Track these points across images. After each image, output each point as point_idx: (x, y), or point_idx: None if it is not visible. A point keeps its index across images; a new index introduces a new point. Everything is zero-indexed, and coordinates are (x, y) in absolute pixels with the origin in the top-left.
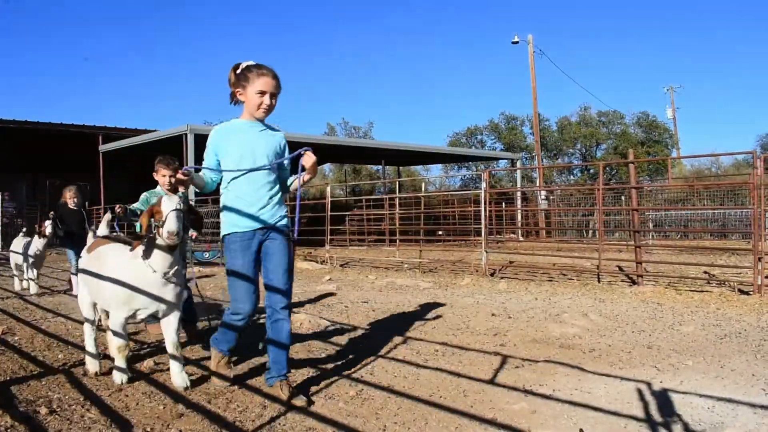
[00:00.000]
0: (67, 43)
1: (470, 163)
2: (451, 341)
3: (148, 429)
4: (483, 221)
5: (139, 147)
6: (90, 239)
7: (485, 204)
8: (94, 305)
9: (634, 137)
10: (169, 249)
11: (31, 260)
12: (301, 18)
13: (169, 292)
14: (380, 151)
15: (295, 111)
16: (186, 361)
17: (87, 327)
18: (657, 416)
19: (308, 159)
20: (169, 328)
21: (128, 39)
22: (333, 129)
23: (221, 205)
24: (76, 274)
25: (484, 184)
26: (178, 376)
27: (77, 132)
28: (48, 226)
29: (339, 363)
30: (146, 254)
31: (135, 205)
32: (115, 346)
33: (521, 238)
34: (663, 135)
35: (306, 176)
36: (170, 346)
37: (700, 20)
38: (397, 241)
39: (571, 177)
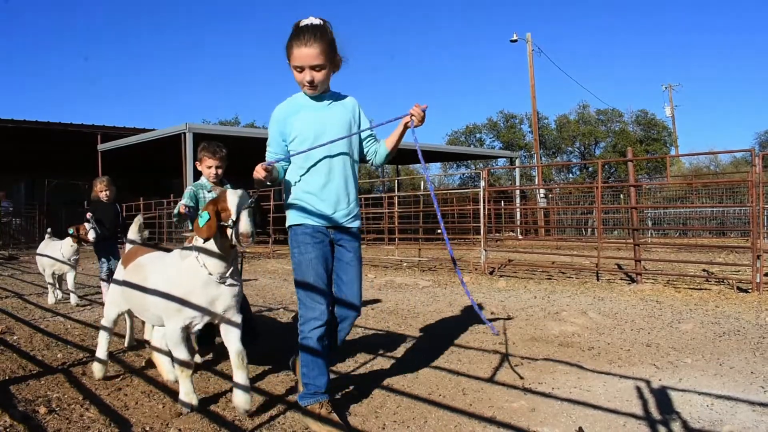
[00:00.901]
0: (65, 43)
1: (469, 161)
2: (450, 339)
3: (148, 428)
4: (482, 219)
5: (137, 146)
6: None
7: (484, 202)
8: (119, 317)
9: (633, 135)
10: (227, 248)
11: (69, 267)
12: (298, 16)
13: (227, 296)
14: None
15: None
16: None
17: (104, 334)
18: (656, 414)
19: (415, 109)
20: (232, 335)
21: (126, 38)
22: None
23: (288, 195)
24: (107, 280)
25: (482, 183)
26: (242, 397)
27: (75, 131)
28: (90, 231)
29: (338, 362)
30: (201, 254)
31: (183, 204)
32: (177, 366)
33: (520, 237)
34: (662, 133)
35: (414, 119)
36: (235, 357)
37: (699, 18)
38: (396, 239)
39: (570, 175)
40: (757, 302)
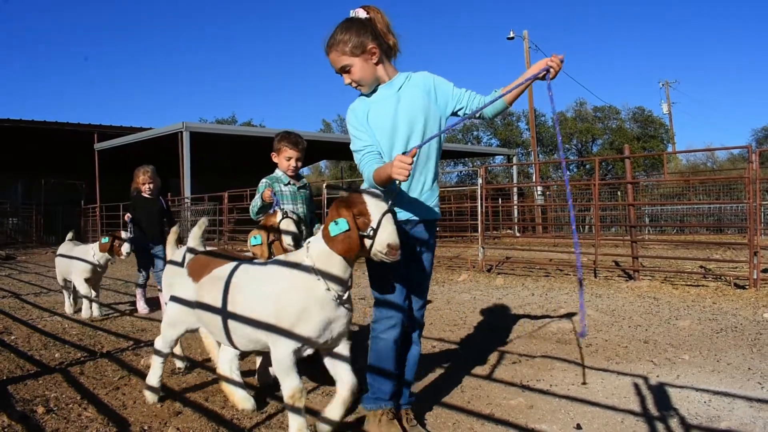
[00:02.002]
0: (62, 42)
1: (466, 159)
2: (449, 337)
3: (146, 427)
4: (479, 217)
5: (134, 145)
6: (171, 253)
7: (481, 200)
8: (177, 340)
9: (630, 132)
10: (350, 260)
11: (99, 272)
12: (296, 14)
13: (343, 319)
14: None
15: (291, 107)
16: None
17: (157, 360)
18: (654, 410)
19: (554, 59)
20: (343, 367)
21: (123, 37)
22: (329, 126)
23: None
24: (143, 286)
25: (480, 180)
26: None
27: (72, 131)
28: (124, 245)
29: None
30: (318, 266)
31: (258, 201)
32: (287, 393)
33: (518, 234)
34: (659, 130)
35: (551, 72)
36: (347, 392)
37: (695, 15)
38: None
39: (568, 173)
40: (754, 299)
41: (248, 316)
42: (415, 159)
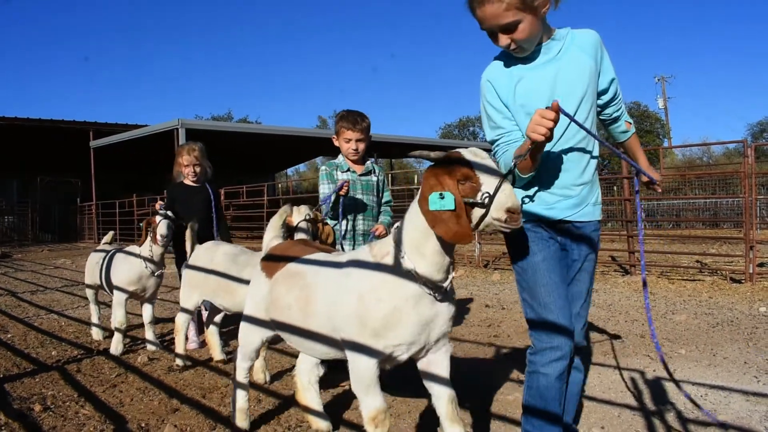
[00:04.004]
0: (58, 39)
1: None
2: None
3: (143, 424)
4: None
5: (130, 143)
6: (191, 251)
7: None
8: (258, 352)
9: None
10: (450, 247)
11: (153, 286)
12: (292, 11)
13: (444, 317)
14: (372, 143)
15: (287, 104)
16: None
17: (242, 374)
18: (650, 405)
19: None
20: (441, 373)
21: (118, 34)
22: (325, 122)
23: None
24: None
25: None
26: None
27: (68, 128)
28: (162, 222)
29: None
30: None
31: (325, 190)
32: (368, 414)
33: None
34: (654, 125)
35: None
36: (447, 404)
37: (691, 10)
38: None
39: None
40: (750, 293)
41: (326, 319)
42: (564, 131)
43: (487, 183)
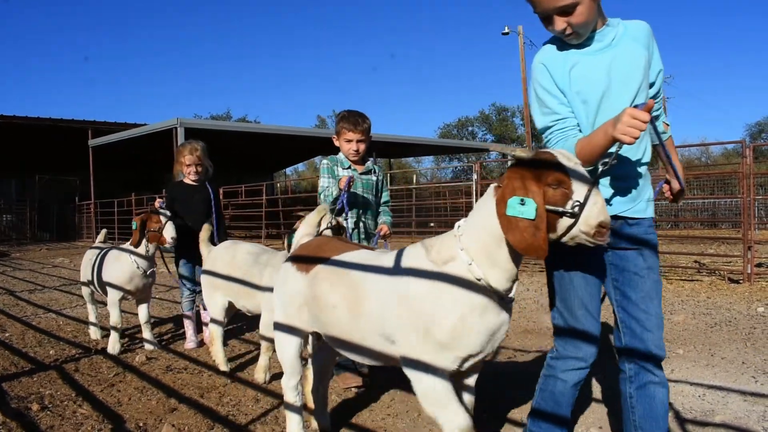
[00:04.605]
0: (56, 38)
1: (461, 154)
2: None
3: (141, 424)
4: None
5: (128, 142)
6: (206, 253)
7: (476, 195)
8: (300, 356)
9: None
10: (521, 255)
11: (145, 284)
12: (290, 11)
13: (506, 322)
14: (371, 143)
15: (285, 103)
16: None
17: (293, 394)
18: None
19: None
20: (472, 381)
21: (117, 33)
22: (323, 121)
23: None
24: (190, 311)
25: (475, 176)
26: None
27: (66, 127)
28: (169, 224)
29: None
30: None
31: (333, 189)
32: None
33: None
34: None
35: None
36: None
37: (690, 11)
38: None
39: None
40: (749, 293)
41: (378, 325)
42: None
43: (578, 191)
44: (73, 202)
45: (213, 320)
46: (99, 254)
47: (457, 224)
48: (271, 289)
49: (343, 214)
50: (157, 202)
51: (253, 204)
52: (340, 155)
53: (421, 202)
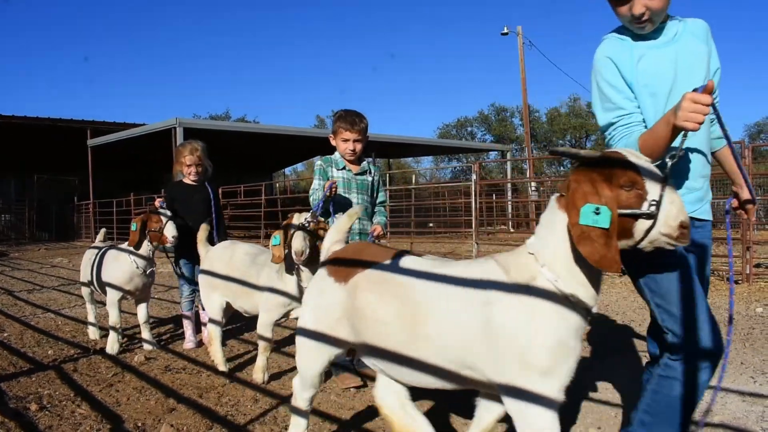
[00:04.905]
0: (55, 37)
1: (460, 154)
2: None
3: (140, 424)
4: (474, 213)
5: (127, 141)
6: (204, 253)
7: (475, 196)
8: (322, 375)
9: None
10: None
11: (144, 283)
12: (289, 11)
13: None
14: (370, 143)
15: (284, 103)
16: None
17: (304, 404)
18: None
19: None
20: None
21: (115, 33)
22: (323, 122)
23: None
24: (190, 312)
25: (474, 176)
26: None
27: (65, 126)
28: (170, 224)
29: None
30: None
31: (320, 193)
32: None
33: (512, 230)
34: None
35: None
36: (493, 421)
37: (688, 11)
38: (388, 233)
39: (561, 168)
40: (747, 293)
41: (450, 349)
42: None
43: (653, 190)
44: (72, 202)
45: (211, 320)
46: (98, 254)
47: (527, 242)
48: (268, 290)
49: (330, 218)
50: (157, 202)
51: (252, 204)
52: (336, 155)
53: (420, 203)
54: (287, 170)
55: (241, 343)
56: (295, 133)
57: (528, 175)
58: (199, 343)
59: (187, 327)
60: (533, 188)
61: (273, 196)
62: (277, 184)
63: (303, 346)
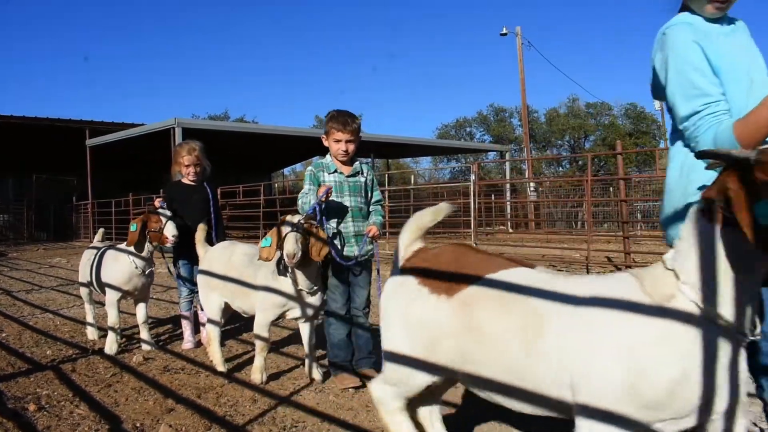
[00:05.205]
0: (53, 37)
1: (459, 155)
2: None
3: (138, 424)
4: (472, 213)
5: (126, 141)
6: (203, 253)
7: (474, 196)
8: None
9: (622, 128)
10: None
11: (143, 283)
12: (288, 11)
13: (745, 370)
14: (369, 143)
15: (283, 104)
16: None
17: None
18: None
19: None
20: None
21: (113, 33)
22: (321, 122)
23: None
24: (188, 312)
25: (473, 176)
26: None
27: (64, 126)
28: (169, 224)
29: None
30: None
31: (311, 197)
32: None
33: (510, 230)
34: (651, 126)
35: None
36: None
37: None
38: (387, 233)
39: (560, 168)
40: None
41: (565, 371)
42: None
43: None
44: (70, 202)
45: (210, 320)
46: (97, 254)
47: (664, 257)
48: (264, 289)
49: (322, 223)
50: (157, 202)
51: (251, 204)
52: (327, 159)
53: (419, 203)
54: (286, 170)
55: (240, 343)
56: (293, 134)
57: (527, 176)
58: (198, 344)
59: (186, 327)
60: (532, 189)
61: (272, 197)
62: (276, 185)
63: (395, 373)
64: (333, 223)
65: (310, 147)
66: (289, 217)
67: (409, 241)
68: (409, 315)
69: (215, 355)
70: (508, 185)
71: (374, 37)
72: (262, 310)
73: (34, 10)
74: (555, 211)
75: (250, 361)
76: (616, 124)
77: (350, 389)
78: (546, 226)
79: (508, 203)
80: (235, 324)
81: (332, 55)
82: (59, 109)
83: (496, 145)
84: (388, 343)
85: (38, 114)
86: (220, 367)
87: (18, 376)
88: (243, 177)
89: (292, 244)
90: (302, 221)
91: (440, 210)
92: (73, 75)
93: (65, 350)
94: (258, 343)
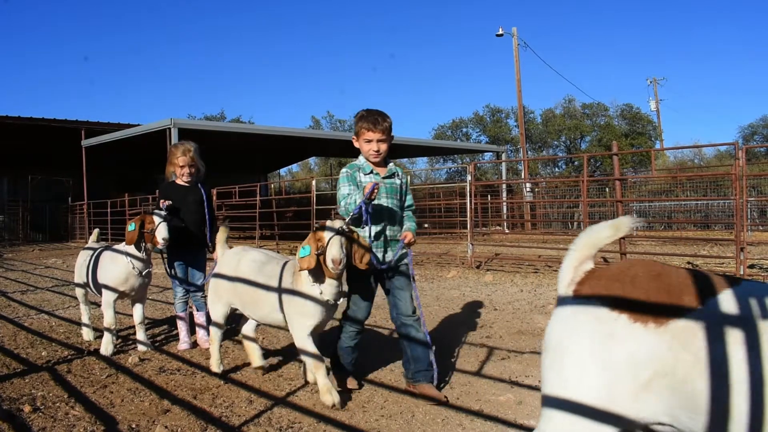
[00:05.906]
0: (49, 37)
1: (455, 155)
2: (437, 334)
3: (134, 425)
4: (469, 214)
5: (122, 142)
6: (222, 253)
7: (471, 197)
8: None
9: (618, 129)
10: None
11: (140, 284)
12: (287, 11)
13: None
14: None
15: (280, 104)
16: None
17: None
18: None
19: None
20: None
21: (110, 33)
22: (318, 122)
23: None
24: (183, 313)
25: (469, 177)
26: None
27: (59, 127)
28: (162, 225)
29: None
30: None
31: (355, 196)
32: None
33: (507, 231)
34: (646, 127)
35: None
36: None
37: (684, 13)
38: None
39: (556, 169)
40: None
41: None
42: None
43: None
44: (66, 202)
45: (214, 323)
46: (93, 255)
47: None
48: (291, 294)
49: (362, 225)
50: (162, 203)
51: (246, 204)
52: (360, 159)
53: (417, 204)
54: (282, 171)
55: (237, 344)
56: (290, 134)
57: (523, 176)
58: (194, 345)
59: (181, 328)
60: (528, 189)
61: (268, 197)
62: (272, 185)
63: (573, 428)
64: (371, 227)
65: (306, 147)
66: (329, 222)
67: (578, 261)
68: (609, 355)
69: (213, 356)
70: (504, 186)
71: (372, 38)
72: (297, 322)
73: (30, 10)
74: (551, 211)
75: (246, 362)
76: (612, 124)
77: (347, 389)
78: (542, 227)
79: (505, 204)
80: (234, 325)
81: (329, 56)
82: (55, 109)
83: (492, 145)
84: (564, 389)
85: (34, 114)
86: (216, 368)
87: (13, 377)
88: (239, 177)
89: (338, 249)
90: (344, 227)
91: (621, 224)
92: (68, 75)
93: (61, 351)
94: (307, 361)
